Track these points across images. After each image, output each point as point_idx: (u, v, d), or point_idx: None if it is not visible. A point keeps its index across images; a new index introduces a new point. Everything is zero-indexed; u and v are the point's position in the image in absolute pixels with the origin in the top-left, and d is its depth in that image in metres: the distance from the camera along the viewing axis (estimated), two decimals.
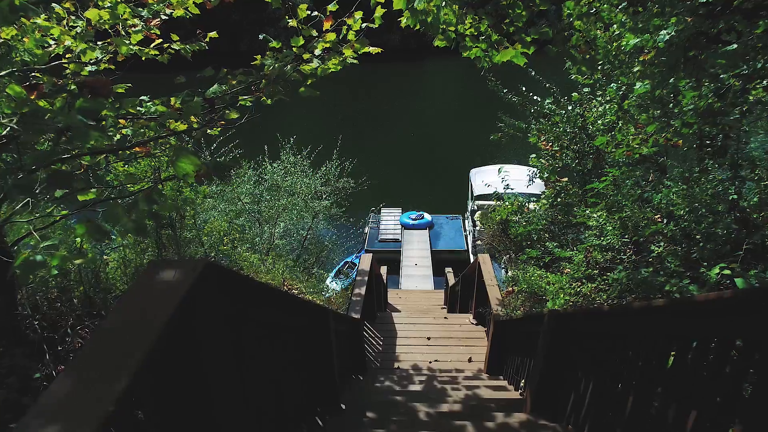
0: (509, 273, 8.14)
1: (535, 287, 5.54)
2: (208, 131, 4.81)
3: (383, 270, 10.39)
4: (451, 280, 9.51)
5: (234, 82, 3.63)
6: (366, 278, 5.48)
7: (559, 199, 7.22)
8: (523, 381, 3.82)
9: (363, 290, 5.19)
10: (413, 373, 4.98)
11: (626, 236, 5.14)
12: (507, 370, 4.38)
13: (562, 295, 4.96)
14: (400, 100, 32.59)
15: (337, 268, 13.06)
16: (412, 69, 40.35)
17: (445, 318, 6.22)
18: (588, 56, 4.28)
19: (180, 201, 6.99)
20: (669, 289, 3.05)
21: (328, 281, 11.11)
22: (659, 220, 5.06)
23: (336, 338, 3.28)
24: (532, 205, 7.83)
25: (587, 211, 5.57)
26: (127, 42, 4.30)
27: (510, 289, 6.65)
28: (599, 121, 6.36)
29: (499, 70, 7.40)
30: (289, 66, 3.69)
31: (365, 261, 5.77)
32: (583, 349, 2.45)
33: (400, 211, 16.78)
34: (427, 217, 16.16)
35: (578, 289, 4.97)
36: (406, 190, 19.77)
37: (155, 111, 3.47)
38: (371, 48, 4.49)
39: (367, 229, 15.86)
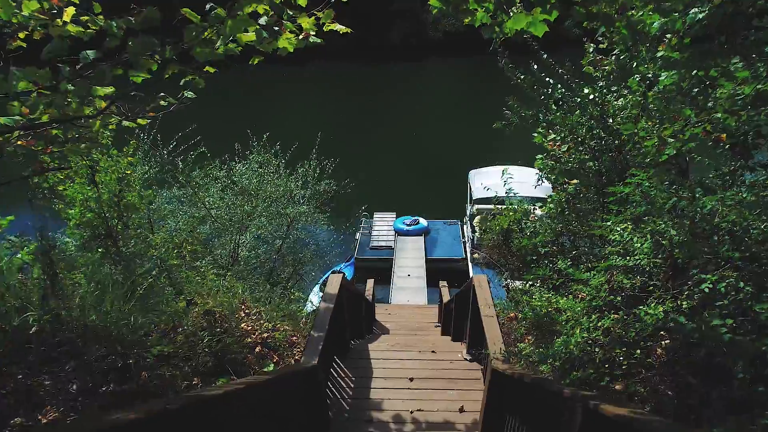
0: (511, 290, 7.08)
1: (544, 317, 4.46)
2: (124, 122, 3.83)
3: (370, 284, 9.32)
4: (446, 296, 8.42)
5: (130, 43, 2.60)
6: (332, 305, 4.40)
7: (568, 206, 6.14)
8: None
9: (327, 322, 4.11)
10: (392, 428, 3.93)
11: (660, 256, 4.06)
12: None
13: (578, 331, 3.88)
14: (399, 100, 31.58)
15: (322, 279, 11.96)
16: (412, 68, 39.36)
17: (433, 352, 5.14)
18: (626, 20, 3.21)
19: (122, 206, 5.94)
20: None
21: (311, 296, 10.02)
22: (702, 235, 3.97)
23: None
24: (538, 211, 6.76)
25: (609, 222, 4.49)
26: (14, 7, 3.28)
27: (512, 314, 5.57)
28: (619, 116, 5.27)
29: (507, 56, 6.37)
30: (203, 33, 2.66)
31: (332, 284, 4.68)
32: None
33: (395, 215, 15.65)
34: (423, 222, 15.00)
35: (599, 323, 3.89)
36: (402, 192, 18.69)
37: None
38: (339, 26, 3.47)
39: (358, 236, 14.72)
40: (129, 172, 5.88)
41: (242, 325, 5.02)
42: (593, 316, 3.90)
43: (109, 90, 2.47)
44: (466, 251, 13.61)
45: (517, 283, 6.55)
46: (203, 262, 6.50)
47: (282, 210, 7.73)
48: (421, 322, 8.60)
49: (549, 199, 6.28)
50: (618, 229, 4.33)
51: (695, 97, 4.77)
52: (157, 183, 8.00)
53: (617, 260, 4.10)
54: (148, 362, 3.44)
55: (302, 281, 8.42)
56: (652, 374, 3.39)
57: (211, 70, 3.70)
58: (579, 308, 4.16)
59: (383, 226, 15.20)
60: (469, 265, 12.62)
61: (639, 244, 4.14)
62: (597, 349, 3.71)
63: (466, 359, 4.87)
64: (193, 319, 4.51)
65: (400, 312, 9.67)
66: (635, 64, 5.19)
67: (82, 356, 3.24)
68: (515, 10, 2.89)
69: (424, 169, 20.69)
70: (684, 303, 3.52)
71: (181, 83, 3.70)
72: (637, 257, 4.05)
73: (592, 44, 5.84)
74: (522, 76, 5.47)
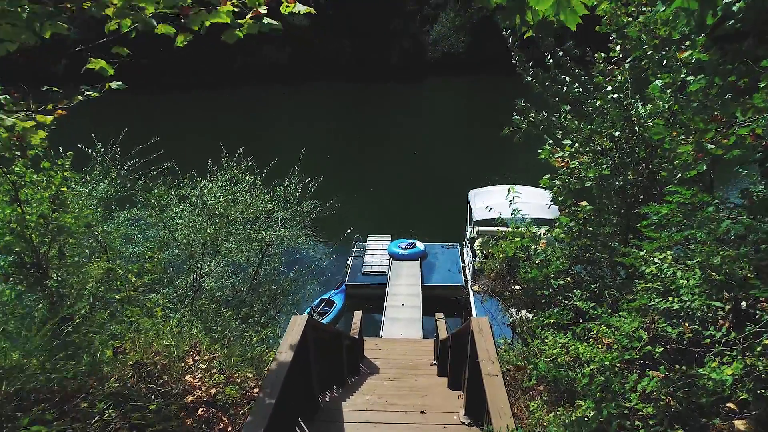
0: (518, 327, 6.11)
1: (562, 374, 3.49)
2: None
3: (357, 316, 8.33)
4: (442, 331, 7.45)
5: None
6: (291, 355, 3.44)
7: (584, 229, 5.22)
8: None
9: (281, 381, 3.15)
10: None
11: (715, 296, 3.13)
12: None
13: (611, 398, 2.93)
14: (397, 119, 31.02)
15: (309, 308, 10.97)
16: (411, 88, 39.05)
17: (422, 413, 4.15)
18: None
19: (53, 228, 5.00)
20: None
21: None
22: None
23: None
24: (546, 235, 5.84)
25: (643, 251, 3.57)
26: None
27: (520, 364, 4.59)
28: (647, 122, 4.40)
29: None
30: None
31: (294, 329, 3.70)
32: None
33: (390, 238, 14.67)
34: (420, 245, 14.00)
35: (638, 386, 2.95)
36: (398, 213, 17.77)
37: None
38: (300, 6, 2.69)
39: (350, 260, 13.70)
40: (64, 189, 4.99)
41: (187, 377, 4.04)
42: (630, 377, 2.95)
43: None
44: (465, 277, 12.62)
45: (523, 312, 5.61)
46: (156, 295, 5.55)
47: (255, 234, 6.78)
48: (415, 360, 7.60)
49: (557, 223, 5.38)
50: (656, 260, 3.41)
51: (725, 102, 3.92)
52: (117, 203, 7.10)
53: (658, 302, 3.17)
54: None
55: (280, 315, 7.40)
56: None
57: (123, 51, 2.85)
58: (606, 360, 3.18)
59: (377, 249, 14.20)
60: (470, 293, 11.62)
61: (684, 280, 3.22)
62: (638, 423, 2.76)
63: (463, 423, 3.89)
64: (118, 373, 3.56)
65: (392, 347, 8.66)
66: (665, 61, 4.35)
67: None
68: None
69: (422, 189, 19.84)
70: (759, 363, 2.59)
71: (82, 71, 2.86)
72: (684, 297, 3.11)
73: (602, 53, 5.09)
74: (532, 72, 4.63)
